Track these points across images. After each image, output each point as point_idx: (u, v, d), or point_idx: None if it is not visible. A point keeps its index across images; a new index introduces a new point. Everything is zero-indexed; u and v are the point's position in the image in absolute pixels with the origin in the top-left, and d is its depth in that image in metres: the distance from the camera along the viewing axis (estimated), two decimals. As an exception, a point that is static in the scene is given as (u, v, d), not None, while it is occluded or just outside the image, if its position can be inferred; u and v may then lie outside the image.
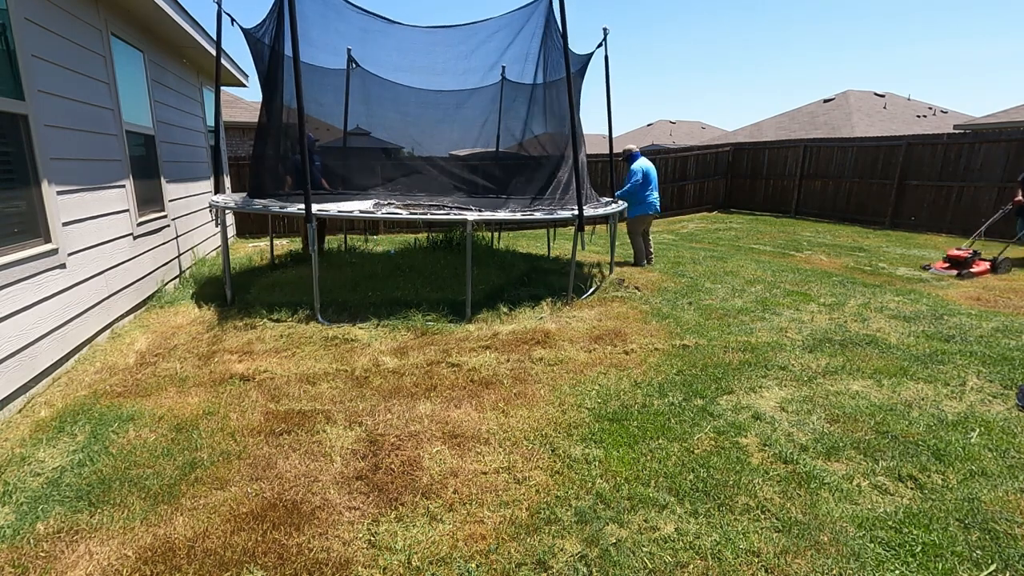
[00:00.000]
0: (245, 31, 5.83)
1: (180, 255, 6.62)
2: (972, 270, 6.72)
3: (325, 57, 6.94)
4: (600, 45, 6.62)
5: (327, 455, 2.71)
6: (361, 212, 5.30)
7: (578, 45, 6.40)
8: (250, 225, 11.06)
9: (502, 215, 5.46)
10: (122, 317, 4.82)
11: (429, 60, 7.04)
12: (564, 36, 5.12)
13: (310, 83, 6.35)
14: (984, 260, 6.91)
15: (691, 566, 1.99)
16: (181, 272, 6.59)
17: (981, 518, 2.24)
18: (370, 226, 11.14)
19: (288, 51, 5.21)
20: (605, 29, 6.49)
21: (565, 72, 5.10)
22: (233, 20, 5.82)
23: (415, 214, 5.23)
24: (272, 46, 5.52)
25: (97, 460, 2.65)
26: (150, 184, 5.78)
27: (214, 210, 5.70)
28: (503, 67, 7.43)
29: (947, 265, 7.03)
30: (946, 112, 26.43)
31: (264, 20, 5.73)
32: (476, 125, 7.93)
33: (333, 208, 5.30)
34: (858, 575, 1.95)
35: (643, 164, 7.36)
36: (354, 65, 7.47)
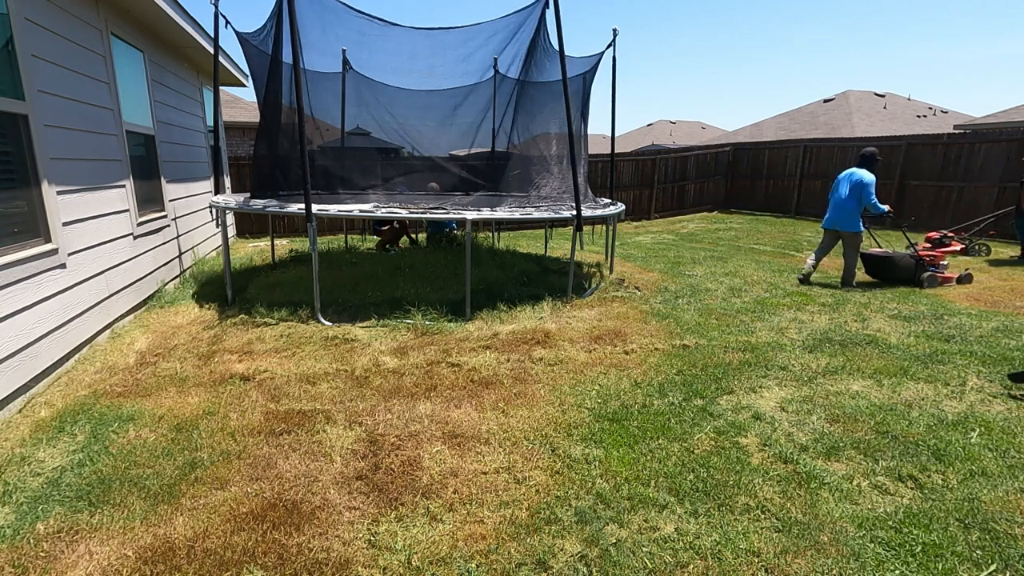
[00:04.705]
0: (240, 35, 5.84)
1: (180, 255, 6.62)
2: None
3: (325, 61, 6.97)
4: (609, 46, 6.61)
5: (327, 455, 2.71)
6: (361, 212, 5.32)
7: (577, 44, 6.41)
8: (250, 225, 11.06)
9: (500, 213, 5.47)
10: (122, 317, 4.82)
11: (427, 63, 7.05)
12: (560, 37, 5.12)
13: (310, 87, 6.36)
14: None
15: (691, 566, 1.99)
16: (181, 272, 6.59)
17: (981, 518, 2.24)
18: (370, 226, 11.14)
19: (286, 57, 5.22)
20: (615, 30, 6.46)
21: (562, 73, 5.09)
22: (227, 22, 5.82)
23: (415, 213, 5.24)
24: (272, 52, 5.51)
25: (97, 460, 2.65)
26: (150, 184, 5.78)
27: (215, 210, 5.71)
28: (500, 69, 7.44)
29: None
30: (946, 112, 26.39)
31: (265, 24, 5.74)
32: (473, 126, 7.98)
33: (333, 208, 5.30)
34: (858, 575, 1.95)
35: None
36: (348, 67, 7.48)
